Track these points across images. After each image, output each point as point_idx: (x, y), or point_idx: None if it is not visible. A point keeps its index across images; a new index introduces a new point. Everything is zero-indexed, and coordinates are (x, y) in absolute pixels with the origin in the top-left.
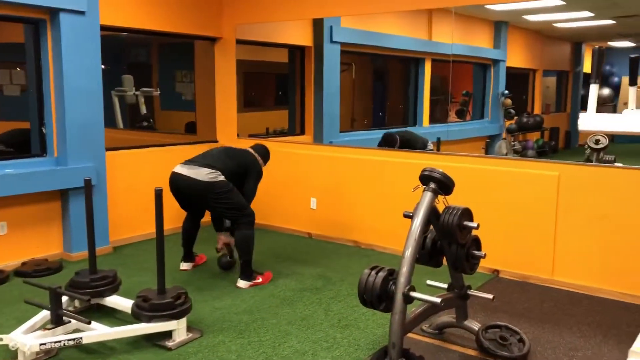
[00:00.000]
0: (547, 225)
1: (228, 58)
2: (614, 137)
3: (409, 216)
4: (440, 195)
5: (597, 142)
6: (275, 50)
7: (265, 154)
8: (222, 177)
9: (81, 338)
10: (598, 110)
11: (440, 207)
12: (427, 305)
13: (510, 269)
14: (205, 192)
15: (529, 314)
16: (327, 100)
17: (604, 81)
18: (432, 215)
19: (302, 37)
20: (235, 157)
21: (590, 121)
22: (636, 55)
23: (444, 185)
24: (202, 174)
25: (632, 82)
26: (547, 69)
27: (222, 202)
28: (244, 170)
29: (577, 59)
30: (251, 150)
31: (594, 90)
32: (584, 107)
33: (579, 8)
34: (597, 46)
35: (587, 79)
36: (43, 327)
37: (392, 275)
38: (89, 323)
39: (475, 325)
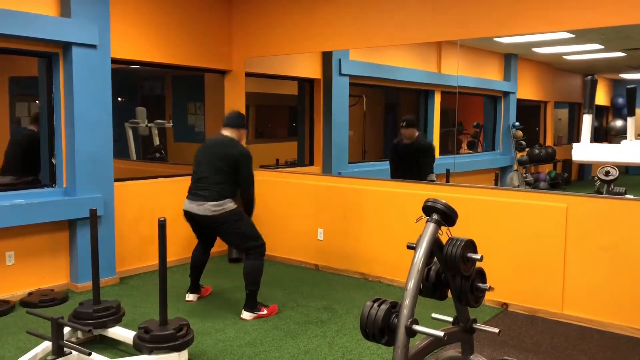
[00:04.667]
0: (556, 258)
1: (238, 90)
2: (627, 169)
3: (413, 247)
4: (444, 227)
5: (607, 173)
6: (287, 83)
7: (238, 122)
8: (226, 205)
9: None
10: (613, 142)
11: (444, 239)
12: (431, 339)
13: (519, 302)
14: (215, 225)
15: (538, 349)
16: (336, 131)
17: (616, 113)
18: (436, 246)
19: (311, 70)
20: (223, 165)
21: (584, 151)
22: (633, 86)
23: (447, 216)
24: (209, 209)
25: (630, 113)
26: (558, 100)
27: (231, 233)
28: (236, 167)
29: None
30: (229, 135)
31: (587, 120)
32: (597, 139)
33: (589, 41)
34: (588, 76)
35: (600, 111)
36: (44, 358)
37: (394, 307)
38: (89, 354)
39: None
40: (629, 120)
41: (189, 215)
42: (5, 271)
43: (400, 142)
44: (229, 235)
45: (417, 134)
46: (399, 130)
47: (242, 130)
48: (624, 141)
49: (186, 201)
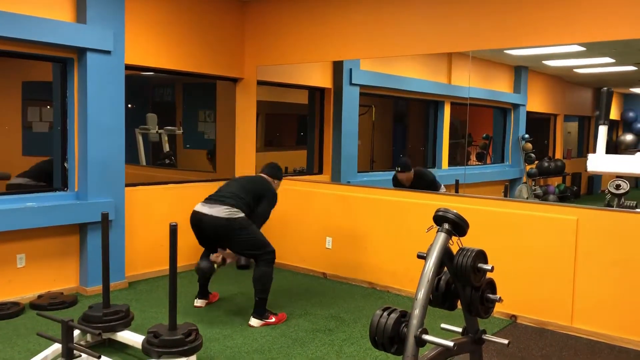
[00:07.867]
0: (565, 270)
1: (249, 98)
2: (638, 183)
3: (423, 257)
4: (455, 237)
5: (617, 187)
6: (297, 92)
7: (276, 173)
8: (240, 214)
9: None
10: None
11: (455, 249)
12: (440, 349)
13: (528, 314)
14: (226, 230)
15: None
16: (345, 140)
17: (626, 127)
18: (446, 256)
19: (322, 79)
20: (251, 189)
21: (600, 162)
22: None
23: (458, 226)
24: (222, 211)
25: None
26: (568, 114)
27: (243, 239)
28: (259, 199)
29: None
30: (264, 176)
31: (602, 131)
32: (607, 153)
33: (600, 54)
34: (605, 88)
35: (610, 125)
36: None
37: (404, 317)
38: (99, 357)
39: None
40: None
41: (197, 218)
42: (16, 273)
43: (401, 181)
44: (242, 242)
45: (412, 175)
46: (396, 173)
47: (276, 182)
48: (638, 153)
49: (198, 204)
